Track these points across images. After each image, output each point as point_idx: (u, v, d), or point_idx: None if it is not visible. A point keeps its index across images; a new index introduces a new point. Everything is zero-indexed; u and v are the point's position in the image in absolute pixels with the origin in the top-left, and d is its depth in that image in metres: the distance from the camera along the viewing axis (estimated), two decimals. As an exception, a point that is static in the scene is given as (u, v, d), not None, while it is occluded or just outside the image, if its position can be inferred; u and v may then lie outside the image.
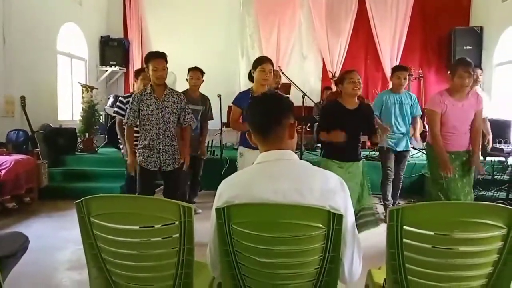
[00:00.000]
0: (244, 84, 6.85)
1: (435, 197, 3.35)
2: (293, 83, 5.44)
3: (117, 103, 4.27)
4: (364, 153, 5.44)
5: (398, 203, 4.62)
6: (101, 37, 7.76)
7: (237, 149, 3.56)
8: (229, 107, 5.19)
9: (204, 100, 4.50)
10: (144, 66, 3.45)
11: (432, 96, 3.47)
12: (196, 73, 4.45)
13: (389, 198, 4.45)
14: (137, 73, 4.31)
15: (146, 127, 3.41)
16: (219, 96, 4.94)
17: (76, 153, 6.25)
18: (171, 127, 3.44)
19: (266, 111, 1.47)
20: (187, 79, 4.49)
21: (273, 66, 3.44)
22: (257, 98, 1.54)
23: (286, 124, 1.47)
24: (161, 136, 3.40)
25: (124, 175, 4.60)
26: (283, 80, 5.28)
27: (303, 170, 1.44)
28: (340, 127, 3.25)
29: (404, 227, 1.41)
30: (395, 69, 4.36)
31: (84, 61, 7.49)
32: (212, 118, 4.67)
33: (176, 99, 3.45)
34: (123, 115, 4.06)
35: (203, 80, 4.48)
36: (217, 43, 7.57)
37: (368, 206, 3.25)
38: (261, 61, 3.36)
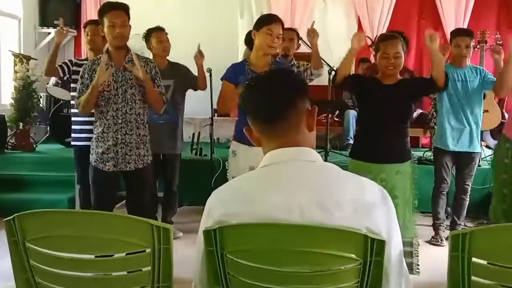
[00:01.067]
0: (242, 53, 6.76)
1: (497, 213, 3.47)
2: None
3: (72, 67, 4.40)
4: (416, 154, 5.43)
5: (465, 225, 4.65)
6: (42, -15, 7.80)
7: (227, 147, 3.72)
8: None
9: (175, 69, 4.56)
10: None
11: None
12: (164, 35, 4.54)
13: (441, 215, 4.56)
14: (85, 27, 4.45)
15: (101, 108, 3.47)
16: (209, 70, 4.98)
17: (5, 151, 6.26)
18: (136, 107, 3.48)
19: (273, 90, 1.50)
20: (148, 47, 4.60)
21: (283, 31, 3.51)
22: (257, 77, 1.60)
23: (302, 110, 1.50)
24: (119, 121, 3.45)
25: (73, 182, 4.66)
26: (301, 48, 5.23)
27: (329, 176, 1.46)
28: (373, 106, 3.38)
29: (473, 259, 1.41)
30: (454, 34, 4.50)
31: (17, 20, 7.49)
32: (203, 86, 4.69)
33: (144, 67, 3.50)
34: (63, 79, 4.27)
35: (170, 44, 4.60)
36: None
37: (406, 238, 3.24)
38: (269, 20, 3.43)
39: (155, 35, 4.52)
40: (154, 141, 4.08)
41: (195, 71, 4.69)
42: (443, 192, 4.54)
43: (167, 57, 4.61)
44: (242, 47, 7.11)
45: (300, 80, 1.58)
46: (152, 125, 4.09)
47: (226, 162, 3.73)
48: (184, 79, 4.61)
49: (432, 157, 5.30)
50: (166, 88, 4.32)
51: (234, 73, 3.49)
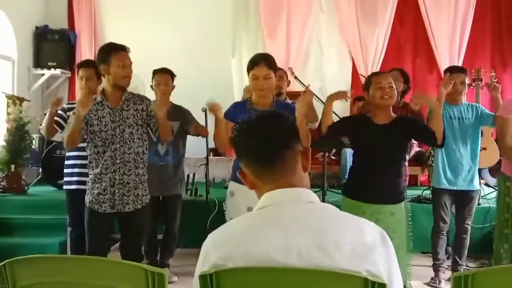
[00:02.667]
0: (239, 93, 6.93)
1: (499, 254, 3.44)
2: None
3: (66, 114, 4.37)
4: (414, 192, 5.61)
5: (467, 266, 4.62)
6: (36, 28, 7.81)
7: (225, 187, 3.74)
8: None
9: (178, 112, 4.59)
10: (97, 61, 3.57)
11: (505, 101, 3.61)
12: (165, 76, 4.55)
13: (441, 256, 4.53)
14: (79, 68, 4.37)
15: (98, 149, 3.48)
16: (205, 110, 4.92)
17: (-4, 193, 6.24)
18: (135, 146, 3.51)
19: (269, 132, 1.52)
20: (151, 86, 4.61)
21: (274, 68, 3.50)
22: (249, 120, 1.59)
23: (297, 150, 1.53)
24: (118, 161, 3.47)
25: (65, 225, 4.60)
26: (295, 86, 5.30)
27: (328, 217, 1.47)
28: (365, 146, 3.38)
29: (476, 302, 1.41)
30: (448, 71, 4.50)
31: (11, 61, 7.52)
32: (205, 133, 4.74)
33: (140, 105, 3.55)
34: (62, 128, 4.19)
35: (174, 86, 4.63)
36: (200, 35, 7.63)
37: None
38: (253, 64, 3.46)
39: (156, 77, 4.55)
40: (155, 182, 4.17)
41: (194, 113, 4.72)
42: (442, 232, 4.51)
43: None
44: (237, 86, 7.29)
45: (293, 122, 1.61)
46: (153, 166, 4.20)
47: (223, 203, 3.73)
48: (186, 123, 4.63)
49: (430, 195, 5.24)
50: None
51: (234, 112, 3.51)
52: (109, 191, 3.47)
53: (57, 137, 5.70)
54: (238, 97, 6.51)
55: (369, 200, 3.43)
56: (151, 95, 4.48)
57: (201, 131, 4.71)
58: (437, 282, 4.50)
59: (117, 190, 3.48)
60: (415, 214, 3.95)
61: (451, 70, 4.54)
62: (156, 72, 4.57)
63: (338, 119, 5.44)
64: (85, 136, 3.51)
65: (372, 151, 3.46)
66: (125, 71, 3.46)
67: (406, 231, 3.49)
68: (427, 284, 4.54)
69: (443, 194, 4.47)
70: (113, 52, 3.46)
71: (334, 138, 3.83)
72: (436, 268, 4.57)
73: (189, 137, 4.79)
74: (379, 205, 3.42)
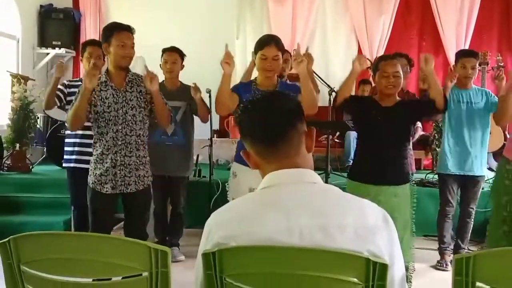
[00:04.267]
0: (241, 75, 6.78)
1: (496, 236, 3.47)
2: (315, 74, 5.31)
3: (66, 90, 4.36)
4: (418, 176, 5.63)
5: (469, 249, 4.64)
6: (41, 6, 7.80)
7: (227, 169, 3.75)
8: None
9: (187, 92, 4.55)
10: (102, 41, 3.52)
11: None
12: (172, 55, 4.54)
13: (447, 239, 4.55)
14: (84, 47, 4.35)
15: (101, 130, 3.48)
16: (209, 91, 4.98)
17: (1, 172, 6.28)
18: (137, 128, 3.51)
19: (273, 112, 1.52)
20: (160, 65, 4.61)
21: (282, 49, 3.50)
22: (253, 99, 1.59)
23: (302, 131, 1.53)
24: (119, 142, 3.47)
25: (69, 204, 4.63)
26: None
27: (331, 198, 1.47)
28: (371, 128, 3.40)
29: (477, 283, 1.42)
30: (459, 55, 4.49)
31: (16, 40, 7.53)
32: (203, 119, 4.67)
33: (144, 87, 3.52)
34: (61, 106, 4.23)
35: (183, 66, 4.61)
36: (205, 17, 7.58)
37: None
38: (262, 44, 3.45)
39: (164, 56, 4.55)
40: (161, 162, 4.23)
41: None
42: (448, 216, 4.51)
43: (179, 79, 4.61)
44: (240, 67, 7.14)
45: (297, 102, 1.60)
46: (160, 146, 4.30)
47: (226, 184, 3.74)
48: (192, 104, 4.59)
49: (434, 179, 5.44)
50: (176, 109, 4.44)
51: (240, 89, 3.52)
52: (111, 172, 3.47)
53: (61, 116, 5.76)
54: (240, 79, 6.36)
55: (373, 181, 3.45)
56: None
57: (201, 112, 4.58)
58: (444, 265, 4.51)
59: (118, 171, 3.48)
60: (418, 198, 3.81)
61: (463, 54, 4.51)
62: (165, 51, 4.56)
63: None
64: (90, 115, 3.49)
65: (378, 132, 3.48)
66: (124, 51, 3.42)
67: (410, 214, 3.49)
68: (434, 267, 4.56)
69: (449, 178, 4.46)
70: (115, 31, 3.43)
71: (347, 112, 3.76)
72: (442, 251, 4.57)
73: (196, 118, 4.77)
74: (383, 186, 3.43)
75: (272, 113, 1.51)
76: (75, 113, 3.38)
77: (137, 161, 3.52)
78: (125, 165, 3.48)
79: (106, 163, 3.47)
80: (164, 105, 3.59)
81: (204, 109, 4.58)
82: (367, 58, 7.08)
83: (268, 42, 3.43)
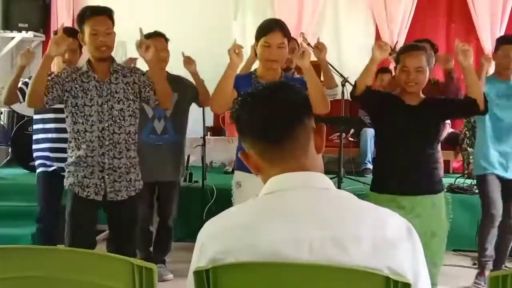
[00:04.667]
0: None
1: None
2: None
3: (24, 79, 4.14)
4: (446, 181, 5.32)
5: (505, 266, 4.47)
6: (4, -17, 7.63)
7: (231, 172, 3.87)
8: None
9: (176, 83, 4.32)
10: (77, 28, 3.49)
11: None
12: (159, 41, 4.28)
13: (489, 252, 4.32)
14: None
15: (78, 127, 3.37)
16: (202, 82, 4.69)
17: (-42, 175, 6.17)
18: (126, 125, 3.41)
19: (277, 105, 1.48)
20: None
21: (288, 36, 3.43)
22: (254, 92, 1.56)
23: (310, 128, 1.49)
24: (106, 143, 3.35)
25: (37, 213, 4.32)
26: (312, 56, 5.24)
27: (345, 206, 1.43)
28: (394, 129, 3.31)
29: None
30: (500, 42, 4.34)
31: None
32: (205, 101, 4.43)
33: (131, 77, 3.44)
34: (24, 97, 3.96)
35: (169, 53, 4.39)
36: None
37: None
38: (265, 30, 3.35)
39: (153, 42, 4.30)
40: (150, 166, 4.05)
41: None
42: (494, 222, 4.23)
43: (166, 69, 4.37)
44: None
45: (305, 95, 1.56)
46: (148, 147, 4.17)
47: (232, 192, 3.56)
48: (185, 94, 4.39)
49: (465, 184, 5.43)
50: None
51: (238, 83, 3.35)
52: (97, 175, 3.35)
53: (29, 111, 5.72)
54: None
55: (405, 191, 3.25)
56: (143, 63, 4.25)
57: (201, 90, 4.39)
58: (483, 282, 4.25)
59: (107, 176, 3.36)
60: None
61: (507, 40, 4.30)
62: (149, 37, 4.22)
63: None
64: (67, 107, 3.39)
65: (402, 134, 3.33)
66: (97, 40, 3.28)
67: (446, 226, 3.39)
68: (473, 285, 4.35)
69: (492, 182, 4.24)
70: (86, 18, 3.33)
71: (365, 104, 3.68)
72: (482, 265, 4.32)
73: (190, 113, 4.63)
74: (418, 196, 3.26)
75: (276, 105, 1.47)
76: (35, 85, 3.30)
77: (128, 163, 3.42)
78: (114, 169, 3.38)
79: (93, 166, 3.36)
80: (164, 78, 3.58)
81: (203, 86, 4.43)
82: (386, 43, 6.86)
83: (272, 27, 3.33)
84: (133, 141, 3.46)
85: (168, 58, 4.31)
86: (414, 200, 3.26)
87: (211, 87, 4.54)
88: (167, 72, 4.33)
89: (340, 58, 7.06)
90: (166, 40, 4.34)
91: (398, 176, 3.31)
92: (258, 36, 3.36)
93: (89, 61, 3.42)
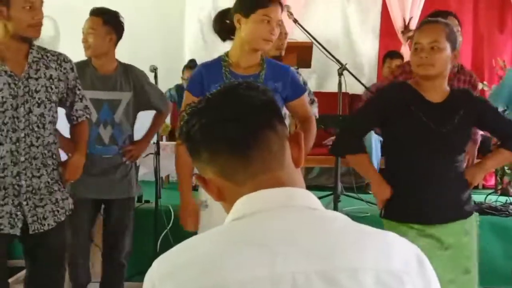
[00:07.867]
0: (192, 48, 6.64)
1: None
2: (318, 44, 4.63)
3: None
4: (475, 198, 4.85)
5: None
6: None
7: (194, 188, 3.35)
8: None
9: (129, 76, 3.90)
10: None
11: None
12: (97, 21, 3.73)
13: None
14: None
15: None
16: (154, 70, 4.48)
17: None
18: (46, 134, 3.08)
19: (241, 109, 1.30)
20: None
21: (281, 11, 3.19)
22: (203, 99, 1.36)
23: (283, 134, 1.32)
24: (22, 158, 3.01)
25: None
26: (299, 36, 4.87)
27: (339, 231, 1.26)
28: (410, 138, 2.97)
29: None
30: None
31: None
32: (163, 105, 4.09)
33: (55, 70, 3.11)
34: None
35: (113, 38, 3.79)
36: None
37: None
38: (267, 0, 2.96)
39: (85, 23, 3.79)
40: (95, 182, 3.72)
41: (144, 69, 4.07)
42: None
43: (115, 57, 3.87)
44: (189, 36, 6.68)
45: (272, 97, 1.36)
46: (95, 161, 3.74)
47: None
48: (139, 94, 3.86)
49: (498, 203, 5.05)
50: (113, 104, 3.84)
51: (203, 81, 2.98)
52: (11, 202, 2.95)
53: None
54: (189, 55, 6.12)
55: (433, 219, 2.91)
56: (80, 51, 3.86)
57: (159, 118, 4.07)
58: None
59: (25, 202, 2.97)
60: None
61: None
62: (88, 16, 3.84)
63: (362, 87, 5.11)
64: None
65: (424, 141, 2.92)
66: (33, 15, 2.91)
67: (478, 257, 3.15)
68: None
69: None
70: None
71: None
72: None
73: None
74: (447, 224, 2.94)
75: (238, 107, 1.29)
76: None
77: (49, 179, 3.05)
78: (33, 192, 3.02)
79: (4, 190, 2.95)
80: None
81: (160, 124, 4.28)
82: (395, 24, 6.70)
83: None
84: (50, 154, 3.07)
85: (103, 43, 3.69)
86: (444, 228, 2.94)
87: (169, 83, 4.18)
88: (118, 61, 3.83)
89: (339, 40, 6.80)
90: (107, 21, 3.72)
91: (420, 200, 2.92)
92: (252, 8, 2.89)
93: None
